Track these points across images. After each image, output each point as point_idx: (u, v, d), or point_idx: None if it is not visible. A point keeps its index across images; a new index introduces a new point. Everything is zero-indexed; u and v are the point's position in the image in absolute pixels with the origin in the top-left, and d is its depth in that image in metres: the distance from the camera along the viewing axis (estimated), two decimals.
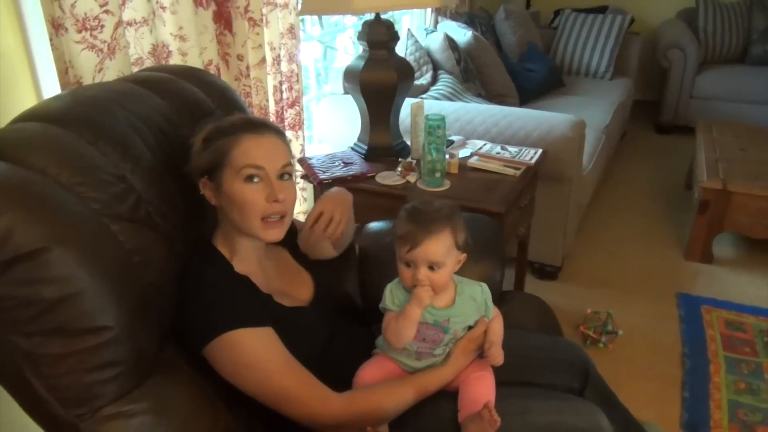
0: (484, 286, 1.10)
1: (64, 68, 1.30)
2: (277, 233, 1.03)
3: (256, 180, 0.99)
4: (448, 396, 1.05)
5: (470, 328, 1.09)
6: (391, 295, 1.06)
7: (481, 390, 1.04)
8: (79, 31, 1.28)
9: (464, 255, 1.05)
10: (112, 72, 1.35)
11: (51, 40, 1.28)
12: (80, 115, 0.95)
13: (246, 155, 0.99)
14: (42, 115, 0.94)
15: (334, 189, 1.27)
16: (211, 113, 1.20)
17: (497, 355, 1.04)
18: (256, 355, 0.94)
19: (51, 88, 1.34)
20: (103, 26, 1.31)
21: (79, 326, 0.80)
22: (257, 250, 1.08)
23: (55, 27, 1.26)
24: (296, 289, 1.15)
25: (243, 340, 0.94)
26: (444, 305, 1.05)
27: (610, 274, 2.54)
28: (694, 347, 2.06)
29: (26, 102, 1.29)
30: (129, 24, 1.41)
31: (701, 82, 4.01)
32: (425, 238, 0.98)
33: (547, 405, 1.05)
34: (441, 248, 0.99)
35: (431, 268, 1.00)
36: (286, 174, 1.03)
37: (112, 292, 0.83)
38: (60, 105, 0.97)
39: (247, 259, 1.05)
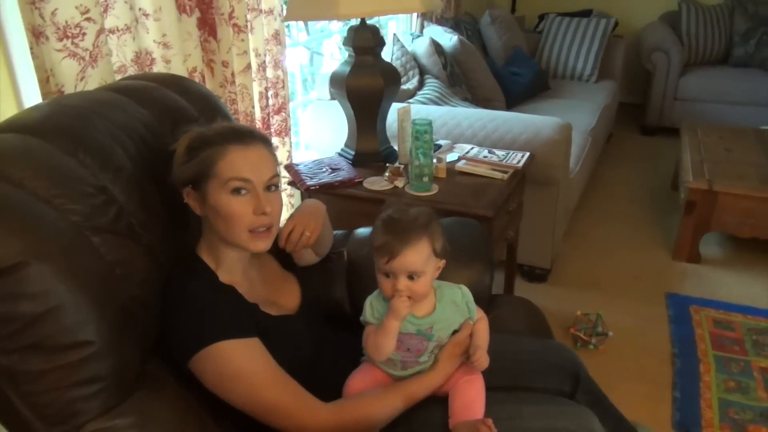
0: (464, 288, 1.09)
1: (45, 77, 1.28)
2: (265, 244, 1.02)
3: (243, 192, 0.98)
4: (438, 401, 1.05)
5: (456, 331, 1.08)
6: (370, 308, 1.05)
7: (471, 394, 1.03)
8: (60, 39, 1.26)
9: (443, 261, 1.04)
10: (94, 80, 1.33)
11: (31, 48, 1.25)
12: (59, 125, 0.94)
13: (232, 168, 0.97)
14: (19, 126, 0.92)
15: (307, 201, 1.27)
16: (194, 121, 1.18)
17: (482, 360, 1.03)
18: (242, 367, 0.93)
19: (32, 97, 1.32)
20: (84, 34, 1.29)
21: (60, 342, 0.78)
22: (242, 259, 1.06)
23: (36, 35, 1.24)
24: (283, 297, 1.13)
25: (229, 351, 0.92)
26: (425, 313, 1.03)
27: (599, 276, 2.55)
28: (683, 347, 2.07)
29: (6, 112, 1.26)
30: (111, 31, 1.39)
31: (685, 84, 4.05)
32: (403, 248, 0.96)
33: (539, 410, 1.04)
34: (420, 258, 0.98)
35: (411, 277, 0.98)
36: (273, 186, 1.02)
37: (93, 306, 0.81)
38: (38, 115, 0.95)
39: (232, 268, 1.04)
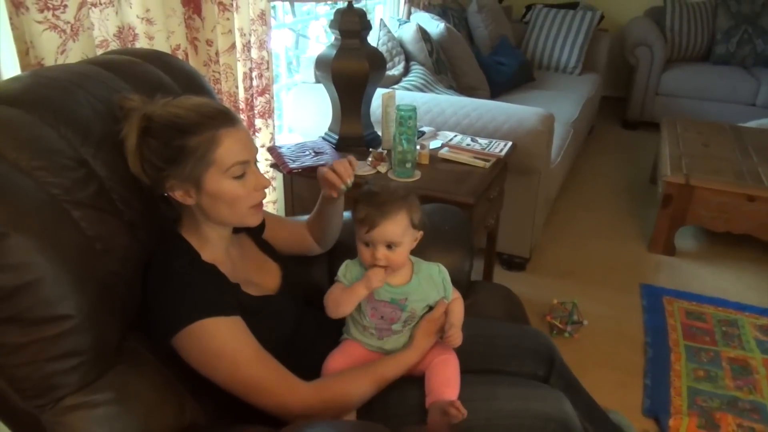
0: (441, 266, 1.14)
1: (24, 49, 1.25)
2: (261, 215, 1.06)
3: (244, 175, 0.98)
4: (414, 381, 1.07)
5: (431, 308, 1.11)
6: (345, 269, 1.10)
7: (446, 374, 1.05)
8: (41, 11, 1.23)
9: (420, 233, 1.09)
10: (75, 54, 1.31)
11: (11, 19, 1.23)
12: (40, 97, 0.92)
13: (231, 153, 0.95)
14: None
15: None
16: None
17: (456, 337, 1.06)
18: (225, 345, 0.93)
19: (11, 69, 1.29)
20: (66, 6, 1.27)
21: (39, 315, 0.78)
22: (224, 238, 1.06)
23: (16, 5, 1.21)
24: (263, 278, 1.13)
25: (212, 329, 0.93)
26: (400, 283, 1.08)
27: (576, 266, 2.59)
28: (656, 336, 2.12)
29: None
30: (93, 5, 1.37)
31: (667, 79, 4.10)
32: (382, 219, 1.02)
33: (513, 391, 1.07)
34: (398, 228, 1.03)
35: (389, 247, 1.04)
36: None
37: (72, 280, 0.80)
38: (18, 86, 0.93)
39: (215, 247, 1.04)
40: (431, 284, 1.10)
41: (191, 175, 0.94)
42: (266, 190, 1.04)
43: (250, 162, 0.99)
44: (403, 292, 1.07)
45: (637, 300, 2.35)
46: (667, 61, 4.15)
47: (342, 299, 1.05)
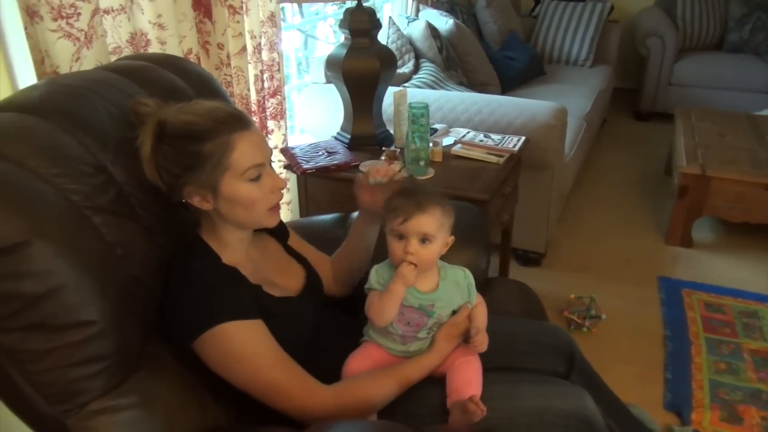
0: (467, 270, 1.12)
1: (39, 57, 1.27)
2: (278, 217, 1.05)
3: (260, 177, 0.98)
4: (435, 382, 1.06)
5: (454, 312, 1.10)
6: (376, 275, 1.08)
7: (468, 375, 1.05)
8: (55, 19, 1.24)
9: (452, 238, 1.07)
10: (89, 61, 1.32)
11: (26, 28, 1.24)
12: (57, 104, 0.93)
13: (246, 156, 0.95)
14: (18, 105, 0.91)
15: None
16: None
17: (483, 341, 1.05)
18: (246, 348, 0.93)
19: (26, 78, 1.31)
20: (79, 14, 1.28)
21: (62, 321, 0.79)
22: (245, 240, 1.06)
23: (30, 15, 1.22)
24: (285, 279, 1.13)
25: (233, 333, 0.93)
26: (428, 289, 1.06)
27: (593, 260, 2.57)
28: (675, 329, 2.10)
29: (1, 93, 1.26)
30: (106, 12, 1.38)
31: (679, 69, 4.06)
32: (418, 210, 1.00)
33: (534, 389, 1.06)
34: (433, 221, 1.01)
35: (422, 241, 1.01)
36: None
37: (95, 286, 0.81)
38: (36, 94, 0.94)
39: (235, 249, 1.04)
40: (457, 290, 1.09)
41: (207, 181, 0.95)
42: (281, 191, 1.04)
43: (265, 164, 0.99)
44: (431, 299, 1.05)
45: (655, 293, 2.32)
46: (679, 50, 4.10)
47: (384, 305, 1.02)
